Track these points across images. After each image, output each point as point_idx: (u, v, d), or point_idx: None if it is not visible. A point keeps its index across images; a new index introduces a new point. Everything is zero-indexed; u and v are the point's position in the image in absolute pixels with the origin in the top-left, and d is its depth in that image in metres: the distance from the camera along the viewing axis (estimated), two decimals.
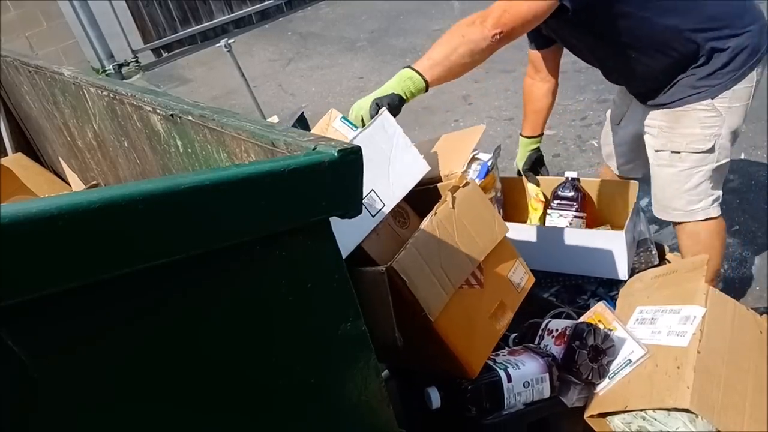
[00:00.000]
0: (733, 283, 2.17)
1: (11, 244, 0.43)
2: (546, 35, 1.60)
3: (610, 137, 1.87)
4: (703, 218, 1.56)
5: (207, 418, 0.62)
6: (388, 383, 1.11)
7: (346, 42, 5.71)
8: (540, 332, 1.21)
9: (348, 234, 1.04)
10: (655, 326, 1.12)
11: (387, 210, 1.10)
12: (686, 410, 0.95)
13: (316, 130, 1.38)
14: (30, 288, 0.45)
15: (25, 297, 0.45)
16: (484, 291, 1.13)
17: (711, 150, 1.50)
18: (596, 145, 3.20)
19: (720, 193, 1.59)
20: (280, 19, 6.96)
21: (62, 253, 0.45)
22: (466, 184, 1.13)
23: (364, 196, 1.00)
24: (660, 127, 1.56)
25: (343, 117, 1.15)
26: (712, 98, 1.45)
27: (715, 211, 1.58)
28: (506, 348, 1.19)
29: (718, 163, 1.53)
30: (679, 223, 1.62)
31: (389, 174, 1.11)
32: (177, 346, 0.58)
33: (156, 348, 0.56)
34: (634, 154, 1.76)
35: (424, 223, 1.08)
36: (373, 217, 1.08)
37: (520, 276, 1.21)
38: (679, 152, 1.53)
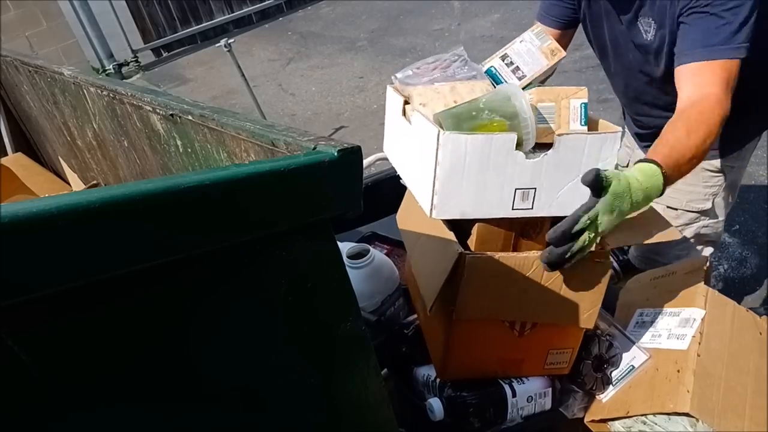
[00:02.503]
0: (733, 283, 2.17)
1: (11, 244, 0.43)
2: (572, 18, 1.47)
3: None
4: None
5: (207, 418, 0.62)
6: (387, 383, 1.10)
7: (346, 41, 5.72)
8: None
9: (480, 200, 0.98)
10: (655, 329, 1.12)
11: (527, 214, 1.02)
12: (686, 414, 0.95)
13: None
14: (30, 288, 0.45)
15: (25, 297, 0.45)
16: (514, 340, 1.06)
17: (709, 209, 1.45)
18: None
19: (710, 248, 1.53)
20: (280, 18, 6.96)
21: (62, 253, 0.45)
22: (601, 263, 1.00)
23: (525, 186, 0.99)
24: None
25: (585, 104, 1.04)
26: (723, 158, 1.39)
27: None
28: None
29: (713, 221, 1.48)
30: None
31: (562, 188, 1.00)
32: (177, 345, 0.58)
33: (156, 348, 0.56)
34: None
35: (530, 254, 0.99)
36: (512, 209, 1.00)
37: (559, 360, 1.10)
38: (675, 209, 1.47)
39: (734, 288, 2.13)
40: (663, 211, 1.44)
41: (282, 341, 0.65)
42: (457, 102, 1.05)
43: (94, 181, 1.67)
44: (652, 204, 1.30)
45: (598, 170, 0.93)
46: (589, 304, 1.02)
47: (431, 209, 0.98)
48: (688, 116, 1.11)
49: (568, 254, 0.94)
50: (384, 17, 6.08)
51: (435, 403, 1.04)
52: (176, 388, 0.59)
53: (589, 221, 0.93)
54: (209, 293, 0.58)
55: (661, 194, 1.03)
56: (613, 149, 0.99)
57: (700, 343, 1.02)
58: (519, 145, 0.98)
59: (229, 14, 6.81)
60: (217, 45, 4.08)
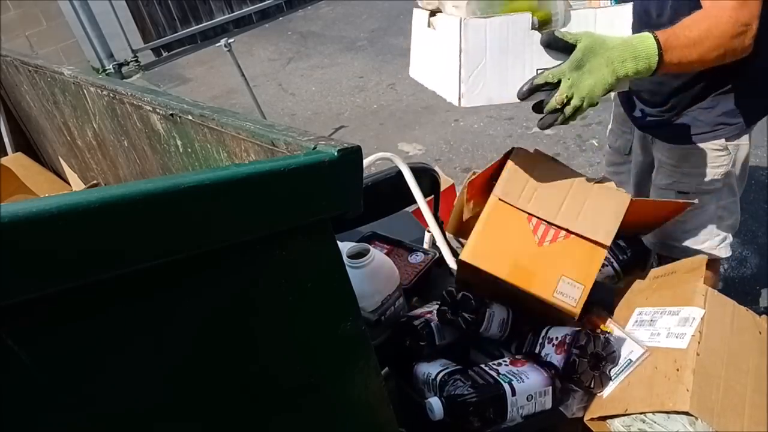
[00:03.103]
0: (733, 283, 2.17)
1: (11, 244, 0.43)
2: None
3: (621, 167, 1.74)
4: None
5: (208, 419, 0.62)
6: (388, 383, 1.10)
7: (346, 41, 5.72)
8: (540, 340, 1.20)
9: (504, 84, 1.02)
10: (654, 328, 1.12)
11: None
12: (686, 413, 0.95)
13: None
14: (30, 288, 0.45)
15: (25, 297, 0.45)
16: (533, 247, 1.12)
17: (720, 188, 1.43)
18: (596, 144, 3.20)
19: (730, 234, 1.50)
20: (280, 18, 6.96)
21: (62, 253, 0.45)
22: (621, 191, 1.14)
23: (545, 67, 0.99)
24: (662, 162, 1.48)
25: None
26: (726, 137, 1.38)
27: (724, 252, 1.48)
28: (507, 357, 1.17)
29: (727, 201, 1.46)
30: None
31: None
32: (176, 346, 0.58)
33: (155, 348, 0.57)
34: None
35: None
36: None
37: (569, 294, 1.11)
38: (687, 192, 1.44)
39: (734, 288, 2.13)
40: (675, 196, 1.46)
41: (282, 341, 0.66)
42: None
43: (94, 181, 1.67)
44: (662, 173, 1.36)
45: (554, 31, 0.98)
46: (607, 223, 1.11)
47: (459, 99, 1.02)
48: (694, 14, 1.09)
49: (554, 117, 1.01)
50: (384, 17, 6.08)
51: (435, 403, 1.04)
52: (176, 387, 0.59)
53: (554, 78, 0.98)
54: (209, 293, 0.58)
55: (658, 65, 1.01)
56: (626, 23, 1.02)
57: (699, 342, 1.02)
58: (548, 24, 1.01)
59: (229, 14, 6.81)
60: (217, 45, 4.08)
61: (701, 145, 1.40)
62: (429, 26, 1.14)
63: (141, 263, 0.50)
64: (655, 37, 1.01)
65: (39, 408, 0.50)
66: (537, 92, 1.00)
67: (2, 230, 0.42)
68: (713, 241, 1.48)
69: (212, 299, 0.59)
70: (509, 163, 1.15)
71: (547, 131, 3.17)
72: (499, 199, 1.14)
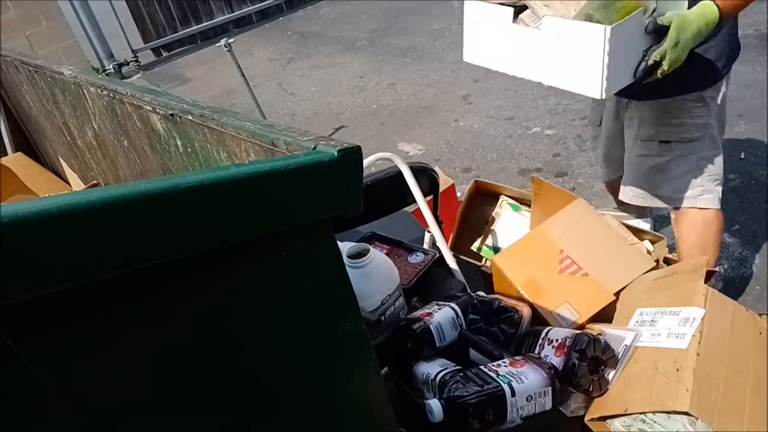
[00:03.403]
0: (733, 283, 2.17)
1: (11, 244, 0.43)
2: None
3: (598, 141, 1.90)
4: (689, 206, 1.57)
5: (208, 419, 0.62)
6: (387, 383, 1.10)
7: (346, 41, 5.71)
8: (540, 341, 1.20)
9: (630, 70, 1.28)
10: (655, 328, 1.12)
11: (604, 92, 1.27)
12: (685, 413, 0.95)
13: None
14: (30, 287, 0.45)
15: (25, 296, 0.45)
16: (553, 272, 1.32)
17: (701, 138, 1.52)
18: None
19: (711, 186, 1.58)
20: (280, 18, 6.96)
21: (62, 252, 0.45)
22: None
23: (645, 47, 1.27)
24: (642, 117, 1.56)
25: None
26: (702, 89, 1.49)
27: (704, 203, 1.58)
28: (507, 358, 1.17)
29: (708, 153, 1.54)
30: (675, 210, 1.62)
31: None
32: (176, 346, 0.58)
33: (155, 348, 0.56)
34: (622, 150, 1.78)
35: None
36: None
37: (565, 317, 1.27)
38: (669, 142, 1.55)
39: (734, 288, 2.13)
40: (657, 146, 1.57)
41: (281, 341, 0.66)
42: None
43: (94, 181, 1.67)
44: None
45: (655, 19, 1.25)
46: (619, 278, 1.30)
47: (602, 92, 1.23)
48: None
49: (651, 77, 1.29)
50: (384, 17, 6.08)
51: (434, 405, 1.04)
52: (175, 388, 0.59)
53: (659, 56, 1.26)
54: (209, 293, 0.58)
55: (719, 22, 1.30)
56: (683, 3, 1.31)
57: (699, 343, 1.02)
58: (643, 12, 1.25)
59: (229, 14, 6.81)
60: (217, 45, 4.08)
61: (679, 97, 1.51)
62: (516, 22, 1.34)
63: (141, 263, 0.50)
64: (717, 4, 1.31)
65: (39, 408, 0.50)
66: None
67: (2, 230, 0.42)
68: (695, 190, 1.58)
69: (212, 299, 0.59)
70: (567, 209, 1.39)
71: (547, 131, 3.18)
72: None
